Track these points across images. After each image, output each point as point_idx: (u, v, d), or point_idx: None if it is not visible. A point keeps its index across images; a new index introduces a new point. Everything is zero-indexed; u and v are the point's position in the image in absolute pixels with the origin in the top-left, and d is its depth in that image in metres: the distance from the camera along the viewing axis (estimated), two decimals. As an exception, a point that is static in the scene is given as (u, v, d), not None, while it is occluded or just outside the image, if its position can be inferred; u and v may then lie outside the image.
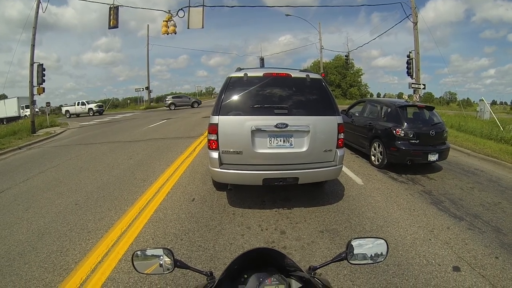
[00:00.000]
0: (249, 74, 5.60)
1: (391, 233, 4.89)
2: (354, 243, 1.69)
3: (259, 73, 5.70)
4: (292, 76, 5.70)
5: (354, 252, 1.69)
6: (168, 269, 1.64)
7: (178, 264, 1.64)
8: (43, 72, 20.54)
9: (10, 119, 42.75)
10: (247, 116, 5.27)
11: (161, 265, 1.64)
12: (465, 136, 14.26)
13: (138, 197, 6.41)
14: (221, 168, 5.29)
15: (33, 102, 20.57)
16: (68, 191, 6.99)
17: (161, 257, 1.64)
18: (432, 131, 8.49)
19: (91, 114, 41.38)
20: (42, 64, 20.56)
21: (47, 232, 5.00)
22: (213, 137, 5.29)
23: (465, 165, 9.53)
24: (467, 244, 4.60)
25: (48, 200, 6.45)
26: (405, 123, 8.52)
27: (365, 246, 1.71)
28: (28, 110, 40.97)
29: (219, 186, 6.47)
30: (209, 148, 5.39)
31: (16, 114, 44.70)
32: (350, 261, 1.69)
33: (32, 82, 20.13)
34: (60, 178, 8.19)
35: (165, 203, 6.04)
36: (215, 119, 5.28)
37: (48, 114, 26.36)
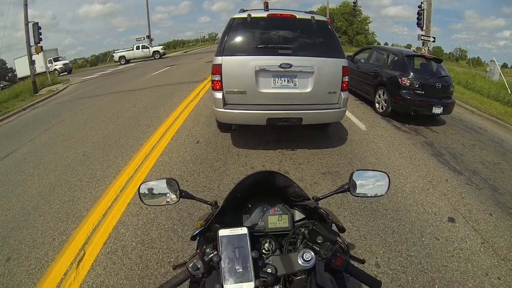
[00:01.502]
0: (252, 15, 5.45)
1: (391, 180, 4.86)
2: (357, 175, 1.66)
3: (263, 14, 5.55)
4: (297, 17, 5.54)
5: (357, 184, 1.66)
6: (173, 200, 1.63)
7: (183, 194, 1.63)
8: (39, 30, 20.06)
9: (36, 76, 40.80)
10: (251, 56, 5.21)
11: (167, 196, 1.64)
12: (471, 94, 13.99)
13: (143, 142, 6.45)
14: (225, 108, 5.29)
15: (32, 62, 20.23)
16: (75, 144, 7.03)
17: (166, 187, 1.63)
18: (439, 84, 8.26)
19: (156, 57, 39.04)
20: (38, 22, 19.98)
21: (58, 185, 5.09)
22: (217, 77, 5.24)
23: (469, 122, 9.37)
24: (464, 198, 4.66)
25: (57, 155, 6.51)
26: (412, 73, 8.31)
27: (367, 179, 1.69)
28: (57, 63, 39.00)
29: (223, 127, 6.49)
30: (213, 89, 5.35)
31: (43, 70, 37.77)
32: (352, 193, 1.65)
33: (29, 42, 19.74)
34: (66, 132, 8.21)
35: (170, 147, 6.09)
36: (219, 59, 5.22)
37: (49, 73, 26.06)
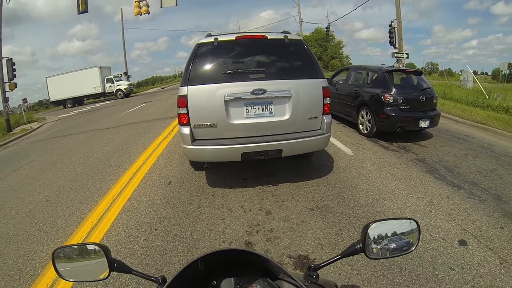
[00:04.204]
0: (220, 39, 5.02)
1: (388, 206, 4.60)
2: (372, 229, 1.26)
3: (231, 37, 5.11)
4: (269, 37, 5.14)
5: (373, 242, 1.26)
6: (101, 274, 1.23)
7: (115, 266, 1.22)
8: (13, 66, 19.65)
9: (84, 99, 35.70)
10: (219, 84, 4.74)
11: (93, 269, 1.24)
12: (451, 104, 14.26)
13: (111, 185, 6.02)
14: (194, 145, 4.78)
15: (6, 100, 19.73)
16: (40, 187, 6.56)
17: (93, 257, 1.24)
18: (422, 97, 8.15)
19: None
20: (11, 58, 19.63)
21: (15, 235, 4.61)
22: (183, 110, 4.77)
23: (455, 132, 9.35)
24: (470, 215, 4.35)
25: (19, 200, 6.03)
26: (394, 89, 8.19)
27: (387, 232, 1.29)
28: (121, 83, 35.80)
29: (198, 165, 6.05)
30: (180, 123, 4.89)
31: (97, 90, 35.65)
32: (368, 255, 1.25)
33: (3, 79, 19.23)
34: (33, 174, 7.74)
35: (140, 189, 5.64)
36: (184, 90, 4.74)
37: (24, 111, 25.32)
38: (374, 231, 1.27)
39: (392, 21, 20.36)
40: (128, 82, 37.92)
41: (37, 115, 28.49)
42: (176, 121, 10.69)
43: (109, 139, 10.62)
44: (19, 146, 13.44)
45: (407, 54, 20.38)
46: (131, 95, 36.50)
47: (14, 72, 19.72)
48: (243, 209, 4.67)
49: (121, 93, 35.02)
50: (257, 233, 4.02)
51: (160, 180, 6.02)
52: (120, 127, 12.98)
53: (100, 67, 35.97)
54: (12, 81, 19.70)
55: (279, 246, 3.72)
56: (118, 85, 35.43)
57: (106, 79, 35.59)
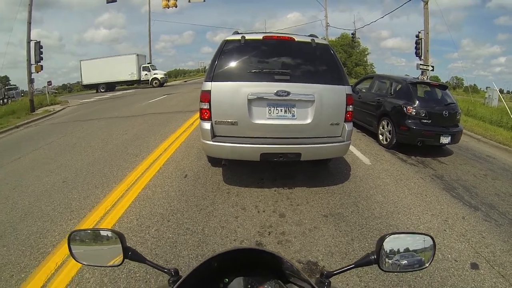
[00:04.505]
0: (247, 37, 5.00)
1: (402, 221, 4.50)
2: (388, 241, 1.24)
3: (259, 36, 5.10)
4: (296, 40, 5.09)
5: (387, 253, 1.24)
6: (114, 260, 1.24)
7: (129, 255, 1.23)
8: (41, 49, 20.04)
9: (116, 85, 35.85)
10: (243, 82, 4.73)
11: (106, 255, 1.25)
12: (474, 121, 13.82)
13: (127, 173, 6.06)
14: (213, 141, 4.77)
15: (31, 81, 20.11)
16: (58, 169, 6.66)
17: (107, 243, 1.25)
18: (446, 112, 7.93)
19: None
20: (39, 41, 20.06)
21: (30, 212, 4.69)
22: (205, 105, 4.76)
23: (476, 151, 9.08)
24: (484, 238, 4.21)
25: (37, 178, 6.13)
26: (417, 101, 7.99)
27: (402, 246, 1.27)
28: (157, 72, 35.77)
29: (215, 161, 6.05)
30: (201, 118, 4.88)
31: (132, 78, 35.64)
32: (381, 267, 1.23)
33: (30, 61, 19.60)
34: (52, 155, 7.87)
35: (155, 180, 5.67)
36: (208, 85, 4.74)
37: (48, 93, 25.73)
38: (389, 244, 1.25)
39: (419, 32, 19.96)
40: (164, 72, 37.82)
41: (60, 98, 28.93)
42: (197, 115, 10.74)
43: (129, 127, 10.73)
44: (40, 126, 13.71)
45: (433, 66, 19.88)
46: (164, 85, 36.56)
47: (41, 55, 20.11)
48: (257, 209, 4.64)
49: (157, 81, 35.09)
50: (268, 234, 3.99)
51: (176, 172, 6.03)
52: (140, 117, 13.08)
53: (137, 55, 35.99)
54: (38, 64, 20.06)
55: (289, 250, 3.68)
56: (154, 74, 35.44)
57: (143, 67, 35.64)
